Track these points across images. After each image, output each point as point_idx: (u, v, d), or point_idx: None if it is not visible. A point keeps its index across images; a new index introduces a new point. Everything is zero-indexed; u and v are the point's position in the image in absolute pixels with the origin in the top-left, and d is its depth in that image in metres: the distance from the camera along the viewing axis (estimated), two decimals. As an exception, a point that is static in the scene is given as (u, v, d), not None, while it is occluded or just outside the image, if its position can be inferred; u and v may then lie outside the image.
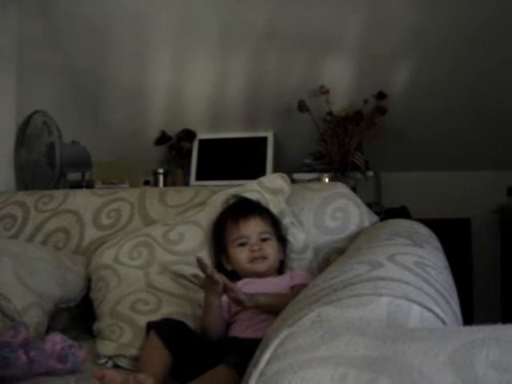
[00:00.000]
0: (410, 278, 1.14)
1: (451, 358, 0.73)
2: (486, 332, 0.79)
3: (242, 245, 1.93)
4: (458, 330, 0.83)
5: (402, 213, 3.68)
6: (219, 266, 1.97)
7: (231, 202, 2.09)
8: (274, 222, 2.01)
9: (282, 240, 2.02)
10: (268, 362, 0.80)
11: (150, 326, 1.70)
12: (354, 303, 1.02)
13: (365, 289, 1.06)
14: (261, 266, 1.90)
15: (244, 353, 1.22)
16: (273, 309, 1.61)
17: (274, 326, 1.08)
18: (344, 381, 0.72)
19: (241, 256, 1.92)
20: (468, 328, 0.82)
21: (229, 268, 1.95)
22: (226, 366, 1.41)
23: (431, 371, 0.72)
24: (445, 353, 0.74)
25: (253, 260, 1.90)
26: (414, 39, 3.49)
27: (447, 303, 1.13)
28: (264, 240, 1.93)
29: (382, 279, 1.10)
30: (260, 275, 1.90)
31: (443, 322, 1.02)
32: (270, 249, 1.93)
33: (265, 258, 1.91)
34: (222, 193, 2.20)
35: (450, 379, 0.70)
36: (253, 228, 1.93)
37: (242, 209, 2.00)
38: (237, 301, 1.68)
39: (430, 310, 1.02)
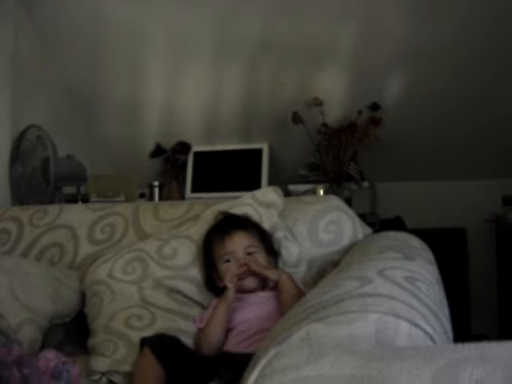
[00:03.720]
0: (398, 294, 1.14)
1: (435, 376, 0.74)
2: (470, 350, 0.79)
3: (228, 261, 1.92)
4: (444, 348, 0.84)
5: (397, 223, 3.68)
6: (211, 283, 1.98)
7: (219, 218, 2.08)
8: (262, 235, 2.00)
9: (273, 252, 2.00)
10: (255, 383, 0.81)
11: (144, 342, 1.70)
12: (342, 320, 1.03)
13: (353, 306, 1.07)
14: (248, 283, 1.90)
15: (235, 369, 1.23)
16: (284, 296, 1.77)
17: (264, 344, 1.09)
18: (329, 401, 0.73)
19: (227, 272, 1.90)
20: (453, 346, 0.82)
21: (220, 285, 1.93)
22: (218, 383, 1.41)
23: (415, 391, 0.72)
24: (429, 371, 0.75)
25: (240, 276, 1.88)
26: (407, 50, 3.50)
27: (436, 318, 1.13)
28: (250, 254, 1.92)
29: (370, 296, 1.11)
30: (250, 291, 1.90)
31: (431, 338, 1.03)
32: (257, 261, 1.91)
33: (253, 272, 1.89)
34: (215, 206, 2.20)
35: (434, 399, 0.70)
36: (238, 243, 1.92)
37: (227, 225, 1.99)
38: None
39: (417, 326, 1.03)
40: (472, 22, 3.29)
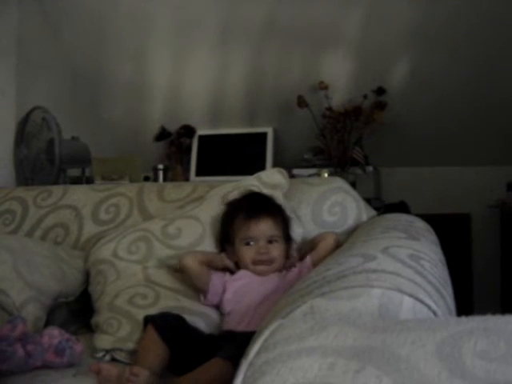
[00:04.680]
0: (402, 270, 1.14)
1: (439, 347, 0.74)
2: (474, 322, 0.79)
3: (248, 244, 1.92)
4: (447, 321, 0.84)
5: (401, 208, 3.68)
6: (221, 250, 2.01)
7: (245, 194, 2.07)
8: (285, 222, 1.99)
9: (290, 239, 2.00)
10: (257, 353, 0.81)
11: (148, 320, 1.70)
12: (345, 295, 1.03)
13: (357, 281, 1.07)
14: (264, 269, 1.90)
15: (238, 345, 1.23)
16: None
17: (268, 318, 1.09)
18: (332, 370, 0.73)
19: (246, 255, 1.91)
20: (456, 319, 0.82)
21: (233, 259, 1.95)
22: (220, 359, 1.42)
23: (418, 361, 0.72)
24: (432, 343, 0.75)
25: (257, 262, 1.90)
26: (412, 34, 3.49)
27: (440, 296, 1.13)
28: (271, 242, 1.92)
29: (374, 271, 1.11)
30: (260, 274, 1.90)
31: (435, 314, 1.03)
32: (277, 252, 1.91)
33: (271, 261, 1.90)
34: (220, 187, 2.20)
35: (437, 369, 0.70)
36: (263, 230, 1.91)
37: (256, 207, 1.97)
38: None
39: (422, 301, 1.03)
40: (477, 3, 3.26)
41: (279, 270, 1.91)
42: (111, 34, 3.69)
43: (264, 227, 1.92)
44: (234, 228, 1.95)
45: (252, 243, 1.91)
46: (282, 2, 3.45)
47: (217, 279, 1.88)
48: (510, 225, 3.73)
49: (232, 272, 1.93)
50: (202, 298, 1.88)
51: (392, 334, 0.78)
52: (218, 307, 1.88)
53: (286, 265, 1.93)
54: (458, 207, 3.98)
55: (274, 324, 0.88)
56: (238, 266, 1.94)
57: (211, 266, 1.92)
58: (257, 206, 1.99)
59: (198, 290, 1.91)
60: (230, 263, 1.94)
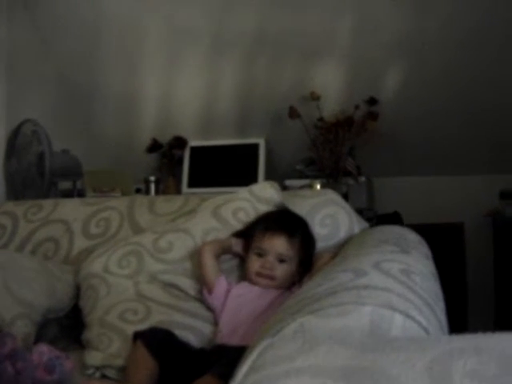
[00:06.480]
0: (393, 286, 1.13)
1: (429, 367, 0.73)
2: (464, 341, 0.78)
3: (258, 254, 1.93)
4: (438, 339, 0.83)
5: (394, 218, 3.68)
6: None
7: (280, 209, 2.10)
8: (304, 245, 1.97)
9: (306, 263, 1.97)
10: (246, 375, 0.80)
11: (137, 336, 1.69)
12: (336, 312, 1.01)
13: (348, 297, 1.06)
14: (263, 282, 1.90)
15: (230, 362, 1.21)
16: None
17: (258, 336, 1.08)
18: (321, 392, 0.72)
19: (252, 265, 1.93)
20: (447, 337, 0.82)
21: (243, 254, 2.00)
22: (212, 376, 1.41)
23: (409, 381, 0.71)
24: (423, 362, 0.74)
25: (259, 274, 1.91)
26: (404, 43, 3.49)
27: (431, 311, 1.12)
28: (282, 261, 1.92)
29: (365, 288, 1.10)
30: (261, 287, 1.90)
31: (426, 330, 1.02)
32: (281, 272, 1.91)
33: (272, 278, 1.90)
34: (211, 200, 2.19)
35: (427, 389, 0.69)
36: (274, 246, 1.92)
37: (276, 222, 1.98)
38: None
39: (412, 318, 1.02)
40: (469, 12, 3.27)
41: (282, 288, 1.91)
42: (102, 46, 3.68)
43: (276, 243, 1.92)
44: (253, 236, 1.97)
45: (262, 255, 1.92)
46: (273, 11, 3.45)
47: (221, 286, 1.90)
48: (503, 233, 3.73)
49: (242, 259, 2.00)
50: (205, 292, 1.90)
51: (382, 354, 0.77)
52: (213, 311, 1.90)
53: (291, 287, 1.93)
54: (451, 217, 3.98)
55: (262, 344, 0.87)
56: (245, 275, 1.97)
57: (225, 252, 2.00)
58: (278, 221, 2.00)
59: (203, 283, 1.93)
60: (239, 249, 1.99)
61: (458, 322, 1.14)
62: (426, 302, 1.13)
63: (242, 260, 2.01)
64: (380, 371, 0.73)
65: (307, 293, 1.17)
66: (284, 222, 2.00)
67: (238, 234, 2.02)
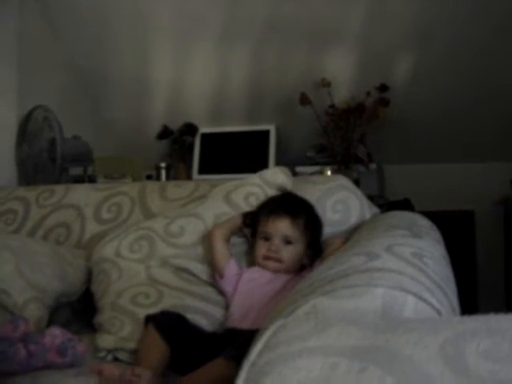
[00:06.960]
0: (406, 269, 1.13)
1: (442, 347, 0.73)
2: (477, 322, 0.78)
3: (264, 238, 1.94)
4: (450, 321, 0.83)
5: (405, 205, 3.67)
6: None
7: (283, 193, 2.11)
8: (309, 226, 1.97)
9: (314, 246, 1.97)
10: (259, 353, 0.80)
11: (148, 319, 1.70)
12: (348, 294, 1.02)
13: (360, 280, 1.06)
14: (272, 265, 1.90)
15: (242, 345, 1.22)
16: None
17: (270, 318, 1.08)
18: (334, 370, 0.72)
19: (259, 249, 1.94)
20: (460, 318, 0.82)
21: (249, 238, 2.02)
22: (224, 359, 1.41)
23: (422, 361, 0.71)
24: (436, 343, 0.74)
25: (266, 257, 1.91)
26: (415, 30, 3.47)
27: (443, 294, 1.12)
28: (287, 243, 1.92)
29: (377, 270, 1.10)
30: (271, 270, 1.90)
31: (438, 312, 1.02)
32: (288, 254, 1.91)
33: (279, 260, 1.91)
34: (222, 186, 2.19)
35: (440, 369, 0.69)
36: (278, 229, 1.92)
37: (278, 205, 1.98)
38: None
39: (425, 300, 1.02)
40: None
41: (291, 272, 1.92)
42: (112, 33, 3.68)
43: (280, 225, 1.93)
44: (259, 221, 1.98)
45: (268, 239, 1.93)
46: (283, -1, 3.44)
47: (232, 269, 1.92)
48: (514, 221, 3.72)
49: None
50: (217, 276, 1.92)
51: (395, 334, 0.77)
52: (225, 295, 1.91)
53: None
54: (462, 204, 3.97)
55: (276, 324, 0.87)
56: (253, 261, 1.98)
57: (235, 233, 2.03)
58: (280, 204, 2.00)
59: (214, 267, 1.95)
60: (245, 229, 2.02)
61: (469, 309, 1.14)
62: (438, 285, 1.13)
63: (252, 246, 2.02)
64: (393, 351, 0.74)
65: (319, 275, 1.17)
66: (287, 204, 2.00)
67: (247, 215, 2.02)
